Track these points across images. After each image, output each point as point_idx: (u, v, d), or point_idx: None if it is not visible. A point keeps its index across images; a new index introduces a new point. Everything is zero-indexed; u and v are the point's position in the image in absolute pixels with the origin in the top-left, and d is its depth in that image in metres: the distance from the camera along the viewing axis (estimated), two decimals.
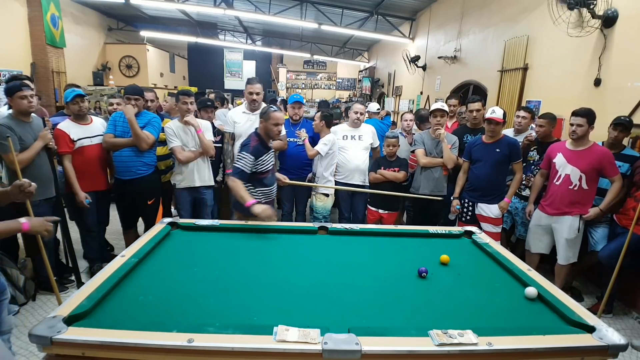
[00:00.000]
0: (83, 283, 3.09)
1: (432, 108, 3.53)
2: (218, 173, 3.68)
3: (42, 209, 2.68)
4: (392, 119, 8.91)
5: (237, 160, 2.63)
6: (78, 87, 3.71)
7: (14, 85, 2.63)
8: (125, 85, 3.79)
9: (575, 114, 2.89)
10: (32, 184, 1.95)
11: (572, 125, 2.89)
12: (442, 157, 3.47)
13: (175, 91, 7.38)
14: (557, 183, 2.99)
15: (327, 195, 3.58)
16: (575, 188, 2.90)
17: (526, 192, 3.43)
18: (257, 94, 3.39)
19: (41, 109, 3.62)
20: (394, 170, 3.57)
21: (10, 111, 2.69)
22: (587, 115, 2.83)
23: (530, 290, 1.64)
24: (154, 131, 3.16)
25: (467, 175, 3.41)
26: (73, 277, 3.15)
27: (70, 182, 2.97)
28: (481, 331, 1.30)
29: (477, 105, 3.64)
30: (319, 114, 3.70)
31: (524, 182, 3.42)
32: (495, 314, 1.52)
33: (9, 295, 2.06)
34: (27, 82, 3.05)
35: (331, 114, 3.81)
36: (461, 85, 6.35)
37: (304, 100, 4.08)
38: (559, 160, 2.99)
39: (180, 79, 14.40)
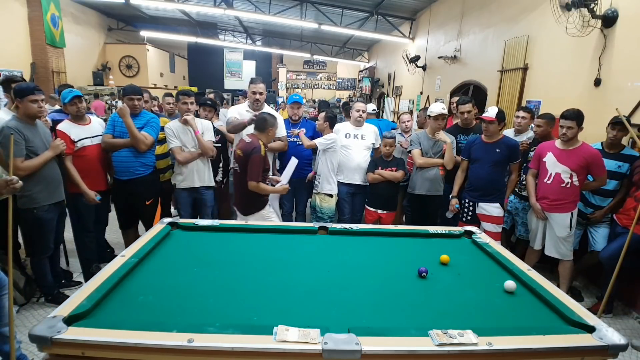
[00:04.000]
0: (81, 283, 3.11)
1: (435, 112, 3.47)
2: (218, 173, 3.68)
3: (52, 213, 2.65)
4: (392, 120, 8.92)
5: None
6: (71, 87, 3.64)
7: (27, 87, 2.47)
8: (125, 85, 3.78)
9: (564, 117, 2.88)
10: (20, 182, 1.94)
11: (562, 127, 2.89)
12: (439, 158, 3.49)
13: (175, 91, 7.38)
14: (548, 182, 3.00)
15: (331, 195, 3.58)
16: (568, 186, 2.92)
17: (526, 193, 3.42)
18: (260, 93, 3.41)
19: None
20: (392, 170, 3.57)
21: (15, 112, 2.53)
22: (577, 118, 2.84)
23: (509, 284, 1.69)
24: (153, 132, 3.13)
25: (465, 174, 3.42)
26: (77, 279, 3.14)
27: (75, 181, 2.87)
28: (481, 331, 1.30)
29: (467, 107, 3.68)
30: (323, 114, 3.69)
31: (523, 183, 3.42)
32: (495, 314, 1.52)
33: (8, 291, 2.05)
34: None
35: (335, 116, 3.81)
36: (461, 85, 6.35)
37: (304, 101, 4.08)
38: (549, 159, 3.00)
39: (180, 79, 14.42)
